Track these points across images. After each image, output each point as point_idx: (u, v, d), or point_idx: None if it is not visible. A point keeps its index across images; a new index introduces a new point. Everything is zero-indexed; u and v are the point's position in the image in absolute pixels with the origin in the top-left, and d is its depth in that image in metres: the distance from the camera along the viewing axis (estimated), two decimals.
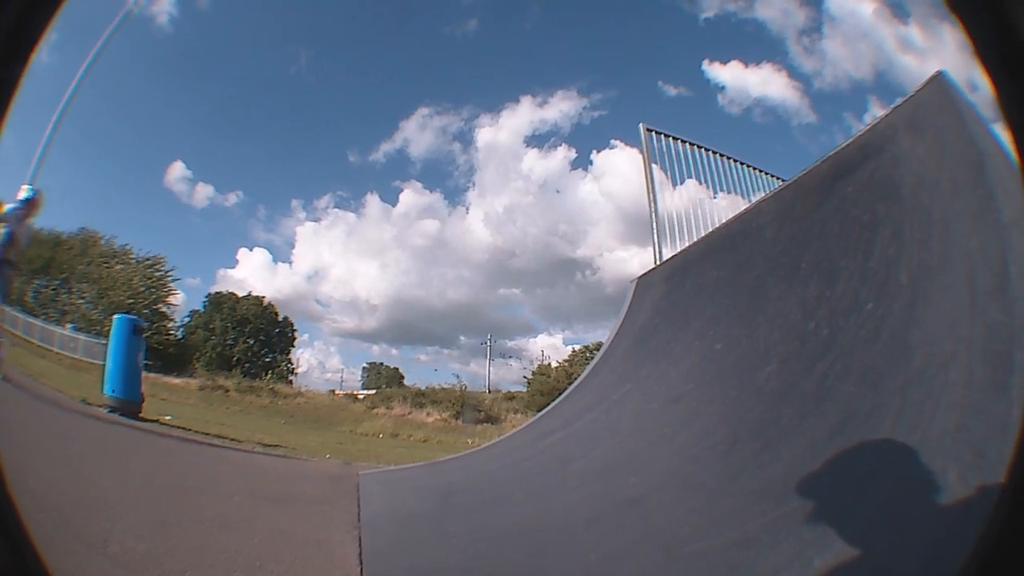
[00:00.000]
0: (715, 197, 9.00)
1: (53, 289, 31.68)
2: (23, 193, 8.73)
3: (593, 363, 7.41)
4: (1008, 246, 2.26)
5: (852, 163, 3.97)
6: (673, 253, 8.03)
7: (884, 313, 2.92)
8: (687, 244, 7.98)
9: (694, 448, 3.75)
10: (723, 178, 9.14)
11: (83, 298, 31.30)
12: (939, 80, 3.34)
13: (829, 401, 2.88)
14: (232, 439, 10.17)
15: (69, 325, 29.70)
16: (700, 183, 9.03)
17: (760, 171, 9.42)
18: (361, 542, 3.97)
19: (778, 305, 4.03)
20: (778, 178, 9.35)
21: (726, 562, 2.42)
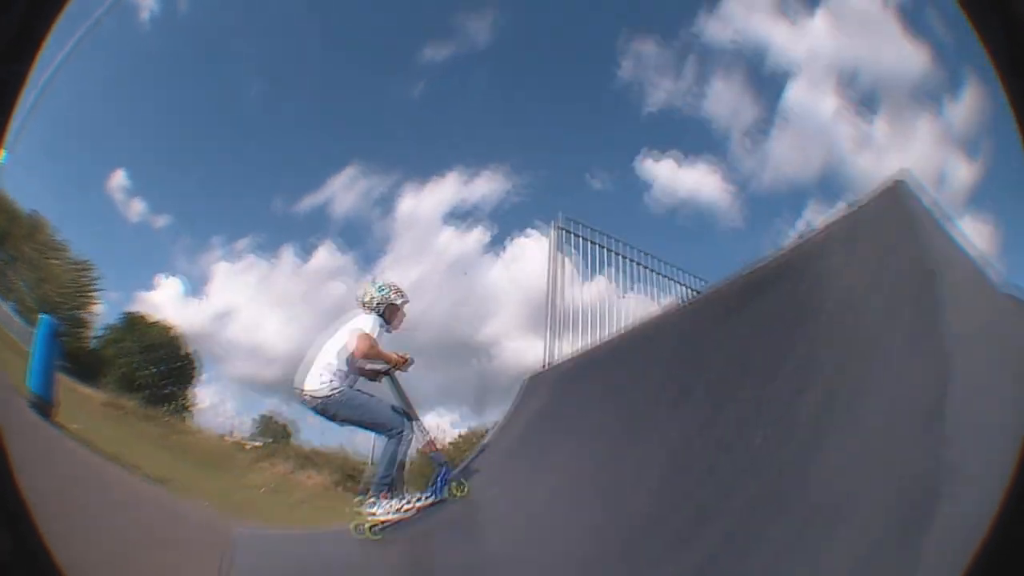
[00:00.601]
0: (623, 296, 8.93)
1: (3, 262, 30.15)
2: None
3: (474, 453, 7.14)
4: (951, 372, 1.99)
5: (769, 280, 3.85)
6: (571, 353, 7.90)
7: (777, 446, 2.68)
8: (587, 344, 7.92)
9: (559, 559, 3.49)
10: (635, 278, 9.10)
11: (23, 281, 29.62)
12: (895, 188, 3.19)
13: (701, 536, 2.62)
14: (127, 463, 9.26)
15: (10, 304, 27.86)
16: (611, 280, 8.97)
17: (672, 279, 9.46)
18: None
19: (664, 426, 3.86)
20: (694, 286, 9.42)
21: None
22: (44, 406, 8.51)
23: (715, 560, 2.36)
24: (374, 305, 5.99)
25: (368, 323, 5.79)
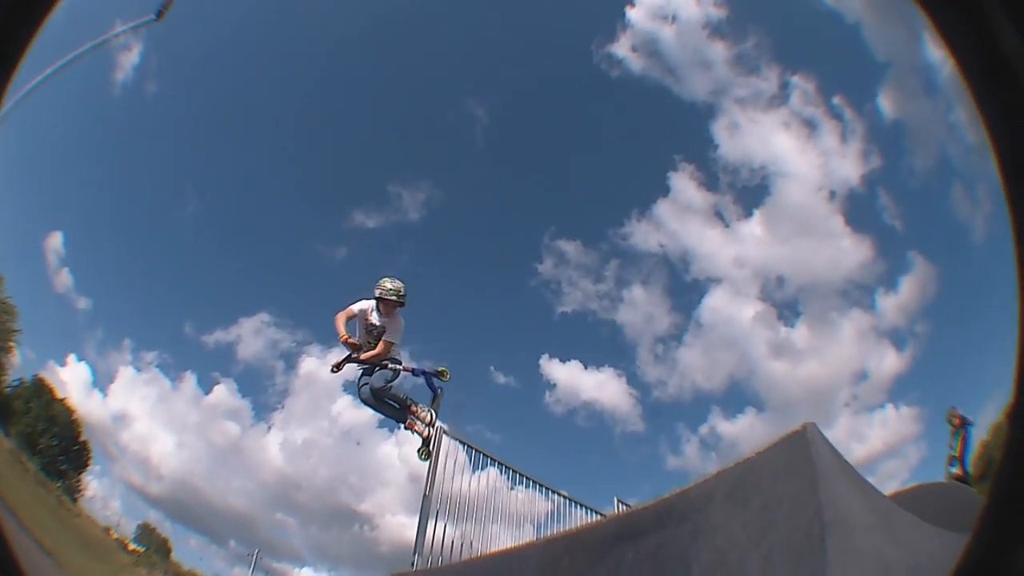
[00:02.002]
0: (511, 489, 8.52)
1: None
2: None
3: None
4: None
5: (641, 527, 3.62)
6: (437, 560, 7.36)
7: None
8: (466, 539, 7.58)
9: None
10: (513, 484, 8.75)
11: None
12: (800, 436, 2.99)
13: None
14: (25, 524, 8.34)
15: None
16: (491, 480, 8.60)
17: (551, 491, 9.05)
18: None
19: None
20: (576, 504, 8.99)
21: None
22: None
23: None
24: (376, 293, 6.98)
25: (358, 304, 7.07)
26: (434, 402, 6.94)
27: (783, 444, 3.07)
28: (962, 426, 7.28)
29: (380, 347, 6.86)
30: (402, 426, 7.14)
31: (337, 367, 7.10)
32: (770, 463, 3.04)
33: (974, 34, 1.03)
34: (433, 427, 7.11)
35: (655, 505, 3.70)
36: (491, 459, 8.55)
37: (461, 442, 8.52)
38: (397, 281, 7.08)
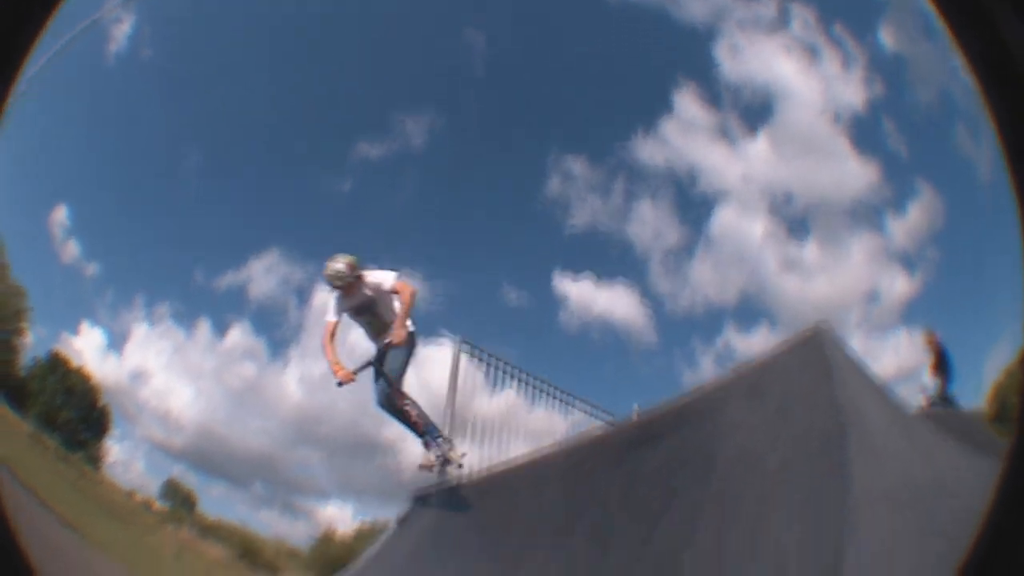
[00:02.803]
0: (529, 412, 8.80)
1: None
2: None
3: (359, 565, 6.59)
4: (850, 534, 1.89)
5: (663, 428, 3.78)
6: (462, 476, 7.68)
7: None
8: (484, 463, 7.60)
9: None
10: (536, 399, 9.02)
11: None
12: (813, 336, 3.15)
13: None
14: (42, 499, 9.12)
15: None
16: (518, 394, 8.86)
17: (574, 405, 9.36)
18: None
19: (544, 559, 3.82)
20: (597, 412, 9.31)
21: None
22: None
23: None
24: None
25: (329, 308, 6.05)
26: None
27: (796, 343, 3.18)
28: (938, 349, 7.21)
29: (397, 333, 5.66)
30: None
31: (346, 378, 5.68)
32: (784, 362, 3.17)
33: (979, 24, 1.03)
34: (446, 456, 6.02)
35: (675, 406, 3.85)
36: (512, 373, 8.76)
37: (480, 356, 8.71)
38: (333, 261, 5.86)
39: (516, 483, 5.45)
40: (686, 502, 2.90)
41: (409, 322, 5.82)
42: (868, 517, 1.99)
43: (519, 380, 8.72)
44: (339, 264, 5.78)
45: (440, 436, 5.97)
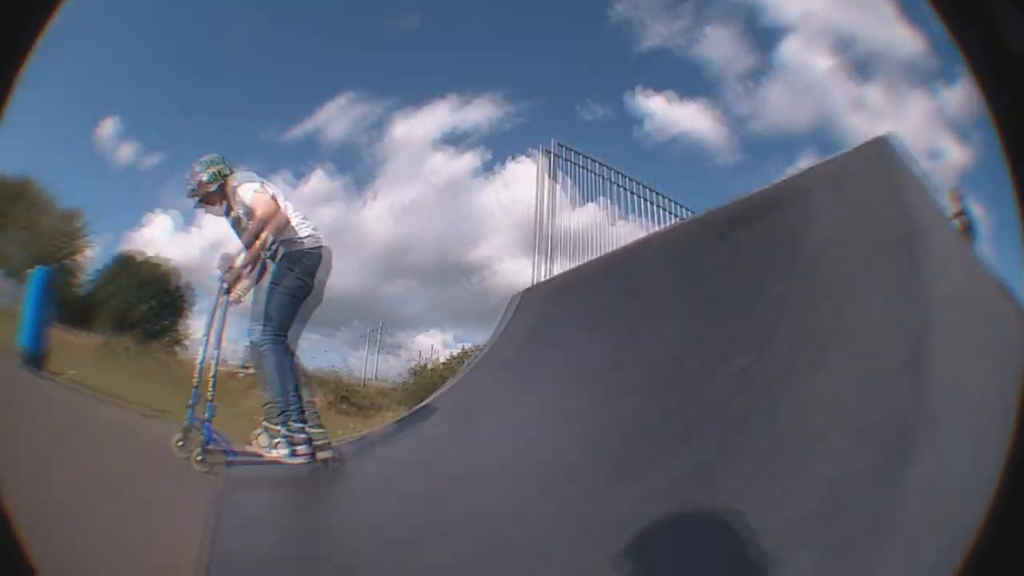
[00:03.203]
0: (614, 224, 8.99)
1: None
2: None
3: (465, 371, 7.30)
4: (929, 326, 2.13)
5: (756, 211, 3.93)
6: (560, 271, 7.99)
7: (759, 371, 2.80)
8: (576, 264, 7.96)
9: (548, 472, 3.56)
10: (626, 205, 9.16)
11: (14, 244, 29.45)
12: (880, 145, 3.22)
13: (689, 444, 2.76)
14: (125, 399, 9.54)
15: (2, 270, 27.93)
16: (601, 208, 9.01)
17: (662, 206, 9.48)
18: (216, 522, 3.56)
19: (654, 340, 3.96)
20: (683, 208, 9.47)
21: None
22: (35, 359, 8.86)
23: (699, 473, 2.48)
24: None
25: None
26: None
27: (868, 150, 3.26)
28: (960, 208, 6.77)
29: (227, 274, 4.55)
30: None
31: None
32: (857, 163, 3.27)
33: (979, 22, 1.00)
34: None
35: (763, 191, 4.01)
36: (600, 172, 8.81)
37: (568, 158, 8.78)
38: (194, 168, 4.78)
39: (619, 266, 5.56)
40: (782, 281, 3.14)
41: (279, 248, 4.61)
42: (942, 317, 2.14)
43: (607, 179, 8.83)
44: (192, 172, 4.78)
45: (299, 424, 4.50)
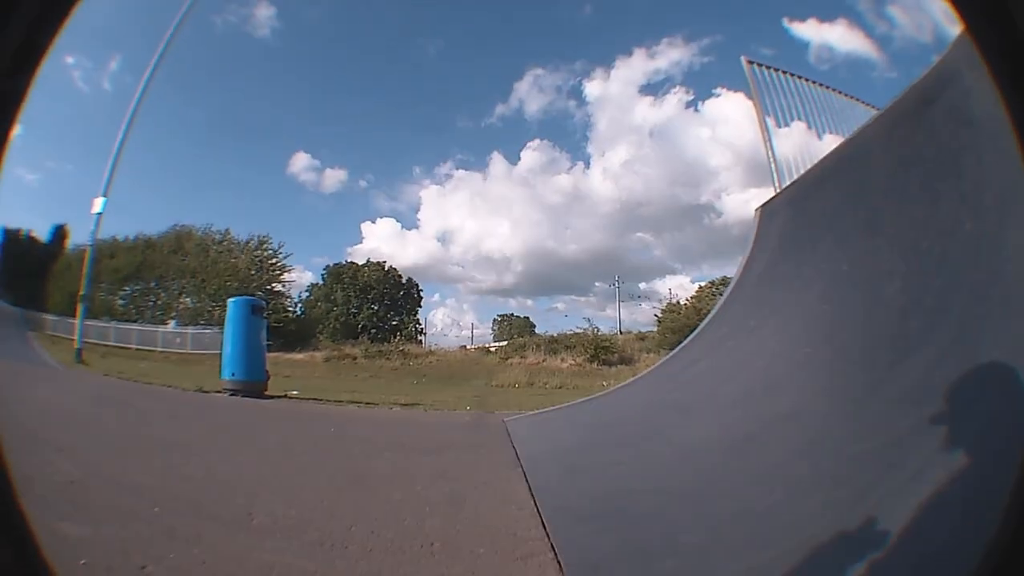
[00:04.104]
0: (821, 139, 8.87)
1: (146, 291, 32.18)
2: (96, 206, 8.37)
3: (727, 293, 7.62)
4: None
5: (934, 92, 4.06)
6: (790, 182, 8.09)
7: (980, 232, 3.12)
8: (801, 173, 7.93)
9: (837, 364, 4.02)
10: (826, 115, 9.01)
11: (182, 291, 31.92)
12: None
13: (947, 314, 3.10)
14: (367, 403, 10.27)
15: (172, 322, 30.58)
16: (806, 125, 8.92)
17: (855, 99, 9.20)
18: (527, 478, 4.28)
19: (893, 226, 4.16)
20: (870, 105, 9.14)
21: (881, 461, 2.68)
22: (253, 387, 9.38)
23: (964, 332, 2.84)
24: None
25: None
26: None
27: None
28: None
29: None
30: None
31: None
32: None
33: (995, 16, 1.02)
34: None
35: (931, 73, 4.10)
36: (800, 83, 8.74)
37: (775, 71, 8.86)
38: None
39: (844, 161, 5.73)
40: (972, 150, 3.41)
41: None
42: None
43: (803, 82, 8.76)
44: None
45: None
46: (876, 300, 3.99)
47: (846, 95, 9.40)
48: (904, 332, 3.42)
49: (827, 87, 9.28)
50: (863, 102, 9.36)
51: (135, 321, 30.20)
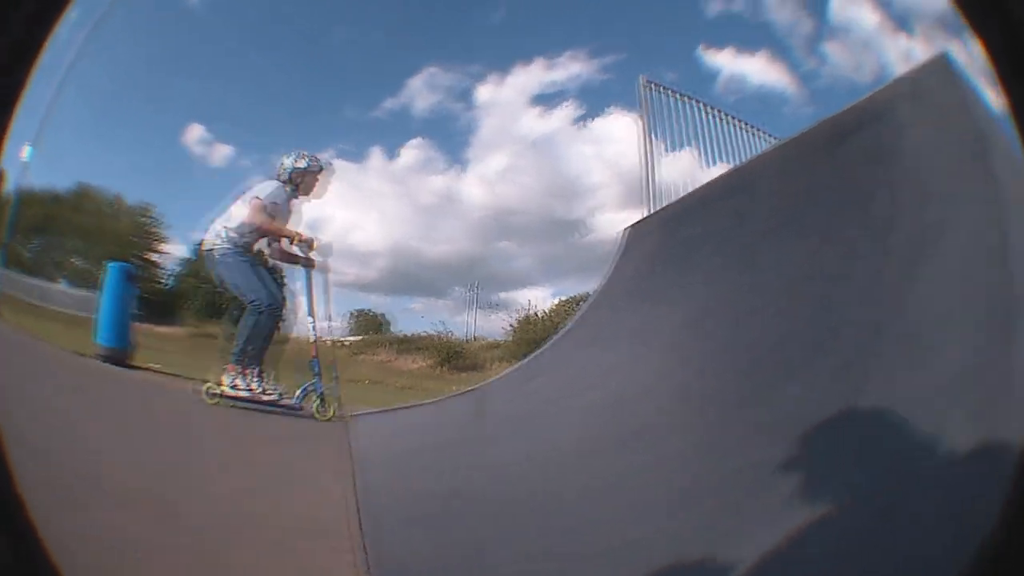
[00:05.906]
0: (711, 166, 8.99)
1: (49, 246, 30.27)
2: (24, 154, 7.91)
3: (584, 308, 7.44)
4: (1007, 223, 2.36)
5: (851, 127, 4.03)
6: (666, 203, 8.06)
7: (881, 272, 3.04)
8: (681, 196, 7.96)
9: (694, 386, 3.91)
10: (720, 144, 9.14)
11: (74, 251, 29.88)
12: (942, 60, 3.34)
13: (829, 347, 3.00)
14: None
15: (62, 281, 28.45)
16: (696, 151, 9.02)
17: (757, 130, 9.41)
18: (355, 479, 4.10)
19: (775, 257, 4.12)
20: (773, 137, 9.37)
21: (730, 484, 2.59)
22: (119, 355, 8.87)
23: (848, 367, 2.75)
24: (283, 174, 6.54)
25: (265, 189, 6.39)
26: None
27: (929, 66, 3.44)
28: None
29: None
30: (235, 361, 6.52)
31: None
32: (923, 79, 3.40)
33: (996, 11, 1.00)
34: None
35: (854, 107, 4.10)
36: (693, 103, 8.79)
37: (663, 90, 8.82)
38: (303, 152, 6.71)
39: (729, 190, 5.66)
40: (886, 189, 3.34)
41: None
42: (1018, 216, 2.34)
43: (701, 107, 8.79)
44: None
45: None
46: (748, 329, 3.89)
47: (751, 125, 9.55)
48: (775, 363, 3.35)
49: (731, 116, 9.38)
50: (768, 133, 9.57)
51: (38, 276, 27.82)
